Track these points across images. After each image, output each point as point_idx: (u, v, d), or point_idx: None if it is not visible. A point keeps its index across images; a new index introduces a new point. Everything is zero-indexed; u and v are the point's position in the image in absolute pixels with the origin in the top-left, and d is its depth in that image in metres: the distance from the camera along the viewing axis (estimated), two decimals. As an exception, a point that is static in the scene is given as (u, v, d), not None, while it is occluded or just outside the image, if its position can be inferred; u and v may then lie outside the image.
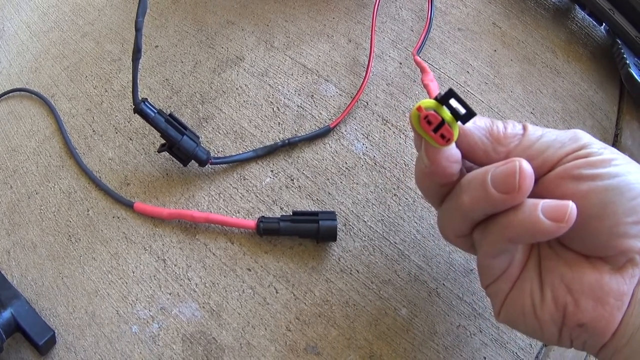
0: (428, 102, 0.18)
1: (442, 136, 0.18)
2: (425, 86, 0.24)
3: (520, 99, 0.36)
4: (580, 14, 0.43)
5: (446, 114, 0.18)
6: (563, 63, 0.39)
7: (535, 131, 0.19)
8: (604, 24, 0.42)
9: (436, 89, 0.23)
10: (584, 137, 0.19)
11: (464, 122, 0.18)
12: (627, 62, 0.37)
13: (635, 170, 0.18)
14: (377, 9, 0.36)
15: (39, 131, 0.36)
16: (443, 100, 0.18)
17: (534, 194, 0.19)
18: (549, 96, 0.37)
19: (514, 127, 0.20)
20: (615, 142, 0.38)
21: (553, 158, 0.19)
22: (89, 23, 0.41)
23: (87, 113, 0.36)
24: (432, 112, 0.18)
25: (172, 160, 0.32)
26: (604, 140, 0.36)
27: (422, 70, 0.26)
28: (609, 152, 0.18)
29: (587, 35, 0.41)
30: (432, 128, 0.18)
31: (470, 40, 0.38)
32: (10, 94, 0.38)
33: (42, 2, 0.44)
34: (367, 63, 0.34)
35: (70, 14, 0.42)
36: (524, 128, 0.20)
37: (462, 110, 0.18)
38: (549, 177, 0.19)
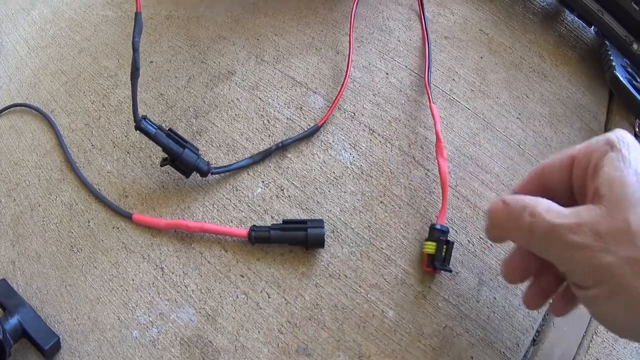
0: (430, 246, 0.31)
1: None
2: (439, 164, 0.32)
3: (506, 104, 0.38)
4: (569, 16, 0.45)
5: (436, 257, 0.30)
6: (551, 67, 0.41)
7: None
8: (593, 26, 0.44)
9: (445, 168, 0.32)
10: None
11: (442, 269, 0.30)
12: (613, 64, 0.39)
13: None
14: (355, 11, 0.39)
15: (39, 145, 0.39)
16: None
17: None
18: (536, 101, 0.39)
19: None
20: (605, 144, 0.40)
21: None
22: (86, 39, 0.44)
23: (86, 128, 0.39)
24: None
25: (168, 173, 0.35)
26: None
27: (437, 138, 0.33)
28: None
29: (576, 37, 0.44)
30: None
31: (456, 48, 0.40)
32: (11, 109, 0.41)
33: (40, 17, 0.48)
34: (346, 66, 0.37)
35: (67, 30, 0.45)
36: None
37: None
38: None
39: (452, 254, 0.30)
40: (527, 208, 0.20)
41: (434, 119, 0.34)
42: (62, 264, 0.33)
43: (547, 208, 0.20)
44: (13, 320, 0.29)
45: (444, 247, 0.30)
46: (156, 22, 0.43)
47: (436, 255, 0.30)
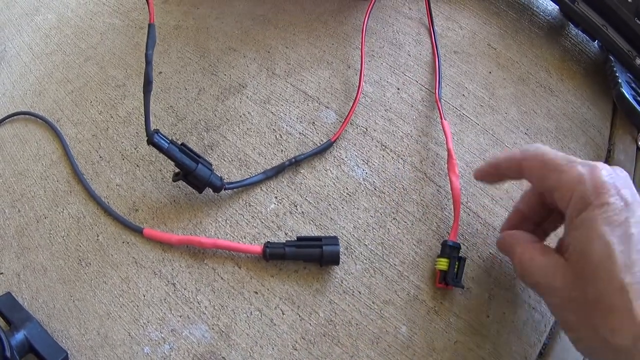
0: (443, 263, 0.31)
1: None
2: (451, 181, 0.33)
3: (514, 120, 0.39)
4: (573, 30, 0.46)
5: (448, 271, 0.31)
6: (556, 81, 0.42)
7: None
8: (596, 40, 0.45)
9: (457, 185, 0.33)
10: None
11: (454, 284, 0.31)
12: (619, 81, 0.40)
13: None
14: (366, 25, 0.39)
15: (45, 155, 0.38)
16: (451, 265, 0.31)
17: None
18: (543, 116, 0.40)
19: None
20: (608, 157, 0.41)
21: None
22: (92, 47, 0.44)
23: (94, 139, 0.38)
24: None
25: (179, 187, 0.35)
26: (597, 157, 0.39)
27: (449, 155, 0.34)
28: None
29: (580, 51, 0.44)
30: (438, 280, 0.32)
31: (465, 63, 0.41)
32: (15, 117, 0.41)
33: (44, 23, 0.47)
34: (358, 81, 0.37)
35: (73, 37, 0.45)
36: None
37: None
38: None
39: (463, 269, 0.31)
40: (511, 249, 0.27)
41: (445, 135, 0.34)
42: (70, 278, 0.33)
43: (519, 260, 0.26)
44: (19, 336, 0.29)
45: (457, 263, 0.31)
46: (164, 32, 0.43)
47: (449, 272, 0.31)
